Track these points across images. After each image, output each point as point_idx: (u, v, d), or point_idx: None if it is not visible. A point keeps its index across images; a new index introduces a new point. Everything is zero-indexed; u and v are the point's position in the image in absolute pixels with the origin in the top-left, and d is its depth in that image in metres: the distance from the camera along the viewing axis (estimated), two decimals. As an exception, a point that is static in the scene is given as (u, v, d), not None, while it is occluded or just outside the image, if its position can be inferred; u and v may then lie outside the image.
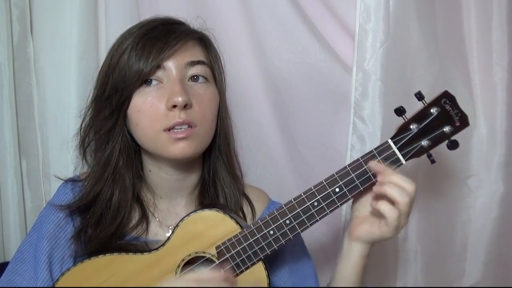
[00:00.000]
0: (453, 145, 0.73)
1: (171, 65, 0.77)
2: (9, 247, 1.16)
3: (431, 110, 0.72)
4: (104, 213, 0.80)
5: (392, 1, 0.97)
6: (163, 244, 0.76)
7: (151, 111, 0.76)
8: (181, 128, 0.76)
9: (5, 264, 0.84)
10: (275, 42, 1.06)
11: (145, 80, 0.77)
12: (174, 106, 0.74)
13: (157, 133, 0.76)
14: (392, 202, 0.70)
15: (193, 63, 0.79)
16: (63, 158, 1.09)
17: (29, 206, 1.18)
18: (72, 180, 0.85)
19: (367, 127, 1.03)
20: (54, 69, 1.11)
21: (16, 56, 1.13)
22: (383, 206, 0.71)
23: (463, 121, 0.72)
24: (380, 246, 1.11)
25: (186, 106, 0.75)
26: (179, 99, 0.74)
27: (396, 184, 0.70)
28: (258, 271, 0.75)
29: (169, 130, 0.75)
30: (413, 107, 0.76)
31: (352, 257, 0.77)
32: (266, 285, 0.75)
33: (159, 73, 0.77)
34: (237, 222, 0.76)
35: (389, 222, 0.70)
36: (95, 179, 0.82)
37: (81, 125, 0.86)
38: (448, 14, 1.04)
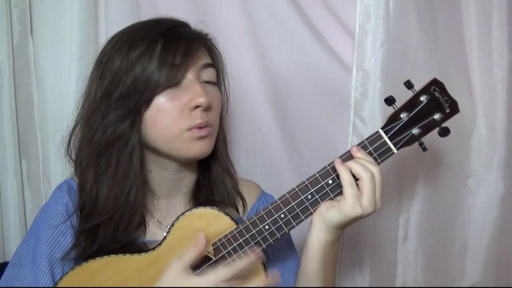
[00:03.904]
0: (444, 132, 0.72)
1: (190, 67, 0.77)
2: (9, 247, 1.16)
3: (421, 98, 0.71)
4: (107, 218, 0.79)
5: (392, 1, 0.97)
6: (160, 244, 0.76)
7: (173, 111, 0.76)
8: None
9: (5, 264, 0.84)
10: (275, 42, 1.07)
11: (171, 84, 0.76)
12: (197, 107, 0.75)
13: (180, 132, 0.76)
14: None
15: (207, 66, 0.80)
16: (63, 159, 1.09)
17: (29, 206, 1.18)
18: (68, 183, 0.84)
19: (367, 127, 1.03)
20: (54, 69, 1.11)
21: (16, 56, 1.13)
22: (346, 174, 0.70)
23: (453, 108, 0.71)
24: (380, 245, 1.12)
25: (207, 108, 0.77)
26: (202, 100, 0.75)
27: (361, 158, 0.70)
28: (255, 267, 0.75)
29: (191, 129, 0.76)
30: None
31: (311, 239, 0.74)
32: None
33: (180, 74, 0.77)
34: (232, 219, 0.76)
35: (345, 191, 0.70)
36: (109, 187, 0.78)
37: (72, 131, 0.83)
38: (448, 14, 1.04)
